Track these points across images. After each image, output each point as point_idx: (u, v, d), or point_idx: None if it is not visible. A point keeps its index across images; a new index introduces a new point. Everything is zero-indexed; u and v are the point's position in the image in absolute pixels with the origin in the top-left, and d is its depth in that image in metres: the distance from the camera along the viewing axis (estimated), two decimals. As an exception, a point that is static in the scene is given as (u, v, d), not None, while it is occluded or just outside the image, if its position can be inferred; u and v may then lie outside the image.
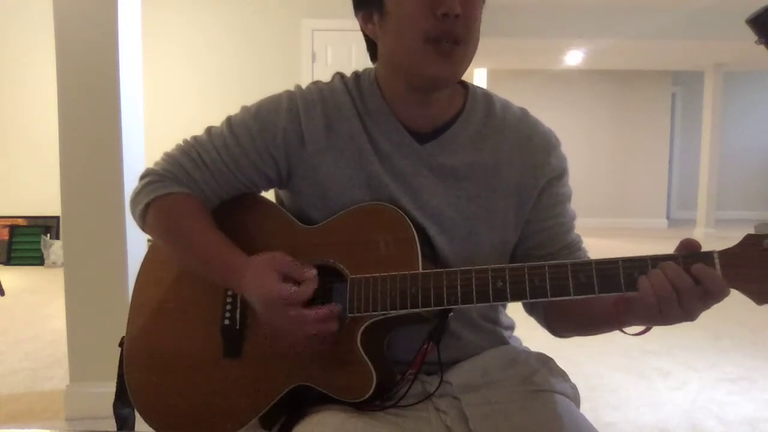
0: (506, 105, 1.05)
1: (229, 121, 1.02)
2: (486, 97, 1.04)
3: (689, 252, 0.79)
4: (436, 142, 0.99)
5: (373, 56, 1.02)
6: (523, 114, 1.05)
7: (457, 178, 0.99)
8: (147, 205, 1.00)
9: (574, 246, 1.04)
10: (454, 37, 0.89)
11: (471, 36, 0.91)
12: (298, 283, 0.89)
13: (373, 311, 0.89)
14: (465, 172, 0.99)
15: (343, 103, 1.00)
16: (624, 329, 0.87)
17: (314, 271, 0.90)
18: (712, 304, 0.77)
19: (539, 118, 1.07)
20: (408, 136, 0.99)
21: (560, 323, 1.03)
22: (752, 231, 0.78)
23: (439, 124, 1.00)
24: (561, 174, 1.03)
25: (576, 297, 0.81)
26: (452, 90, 1.01)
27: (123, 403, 1.06)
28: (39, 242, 6.09)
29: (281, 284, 0.88)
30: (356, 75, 1.04)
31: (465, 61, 0.93)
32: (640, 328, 0.85)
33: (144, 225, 1.03)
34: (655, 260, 0.79)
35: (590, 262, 0.82)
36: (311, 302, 0.89)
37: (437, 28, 0.88)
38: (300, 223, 1.00)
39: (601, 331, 0.96)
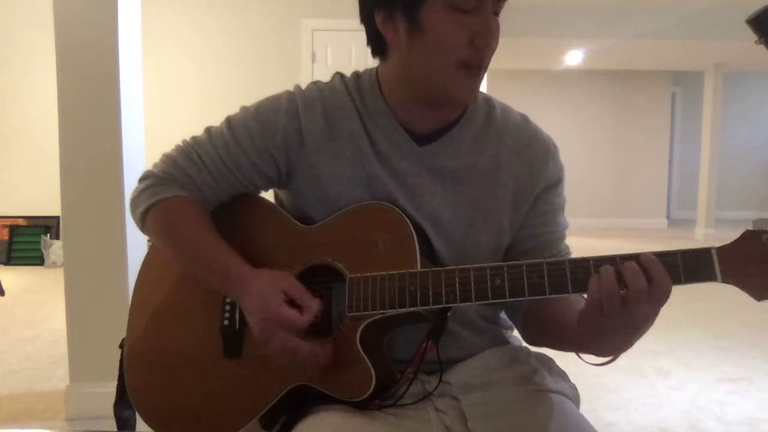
0: (507, 110, 1.05)
1: (229, 121, 1.02)
2: (487, 101, 1.04)
3: (685, 251, 0.79)
4: (436, 144, 0.99)
5: (376, 52, 0.99)
6: (524, 120, 1.05)
7: (456, 180, 0.99)
8: (147, 209, 1.00)
9: (563, 256, 1.03)
10: (482, 63, 0.91)
11: (490, 60, 0.93)
12: (300, 309, 0.89)
13: (372, 310, 0.89)
14: (464, 174, 0.99)
15: (343, 102, 1.00)
16: (582, 356, 0.87)
17: (318, 302, 0.91)
18: (659, 304, 0.77)
19: (540, 119, 1.07)
20: (407, 137, 0.99)
21: (533, 332, 1.04)
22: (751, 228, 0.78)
23: (439, 126, 1.00)
24: (557, 183, 1.04)
25: (574, 294, 0.81)
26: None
27: (124, 405, 1.06)
28: (39, 242, 6.09)
29: (284, 306, 0.89)
30: (356, 75, 1.04)
31: (481, 81, 0.96)
32: (598, 360, 0.85)
33: (144, 228, 1.03)
34: (658, 255, 0.79)
35: (588, 259, 0.82)
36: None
37: (473, 57, 0.89)
38: (298, 223, 1.00)
39: (564, 349, 0.95)
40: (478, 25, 0.88)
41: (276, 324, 0.89)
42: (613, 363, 0.85)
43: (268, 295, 0.89)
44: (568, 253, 1.05)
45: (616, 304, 0.76)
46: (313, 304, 0.90)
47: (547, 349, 1.05)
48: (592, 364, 0.86)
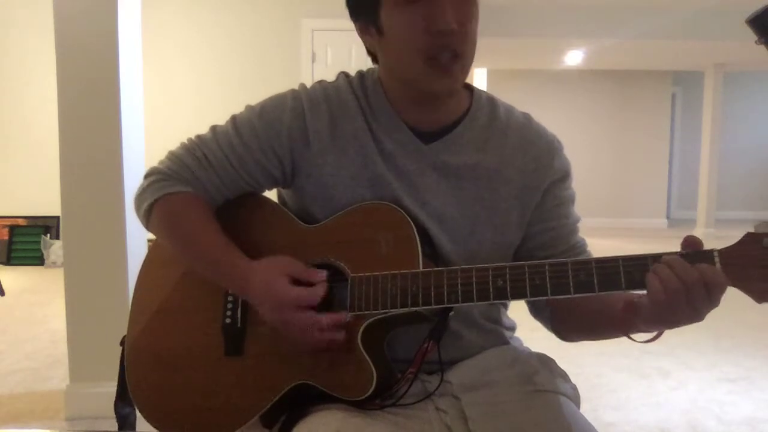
0: (510, 110, 1.05)
1: (234, 120, 1.02)
2: (490, 101, 1.05)
3: (691, 250, 0.79)
4: (441, 142, 1.00)
5: (375, 59, 1.02)
6: (526, 119, 1.05)
7: (460, 177, 1.00)
8: (151, 205, 1.00)
9: (579, 248, 1.03)
10: (452, 50, 0.90)
11: (468, 48, 0.92)
12: (308, 286, 0.90)
13: (374, 310, 0.90)
14: (468, 172, 1.00)
15: (348, 101, 1.00)
16: (632, 336, 0.87)
17: (324, 274, 0.91)
18: (716, 301, 0.77)
19: (540, 119, 1.07)
20: (412, 135, 0.99)
21: (567, 326, 1.03)
22: (752, 230, 0.78)
23: (443, 125, 1.00)
24: (564, 176, 1.04)
25: (576, 296, 0.81)
26: (457, 92, 1.01)
27: (124, 403, 1.06)
28: (39, 242, 6.08)
29: (292, 287, 0.89)
30: (361, 75, 1.04)
31: (464, 73, 0.94)
32: (648, 336, 0.84)
33: (148, 224, 1.03)
34: (656, 258, 0.79)
35: (590, 261, 0.82)
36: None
37: (435, 45, 0.89)
38: (301, 222, 1.01)
39: (607, 336, 0.95)
40: (429, 11, 0.87)
41: (290, 306, 0.89)
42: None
43: (273, 282, 0.90)
44: (584, 245, 1.05)
45: (681, 300, 0.76)
46: (320, 277, 0.91)
47: (577, 342, 1.05)
48: (640, 342, 0.85)
